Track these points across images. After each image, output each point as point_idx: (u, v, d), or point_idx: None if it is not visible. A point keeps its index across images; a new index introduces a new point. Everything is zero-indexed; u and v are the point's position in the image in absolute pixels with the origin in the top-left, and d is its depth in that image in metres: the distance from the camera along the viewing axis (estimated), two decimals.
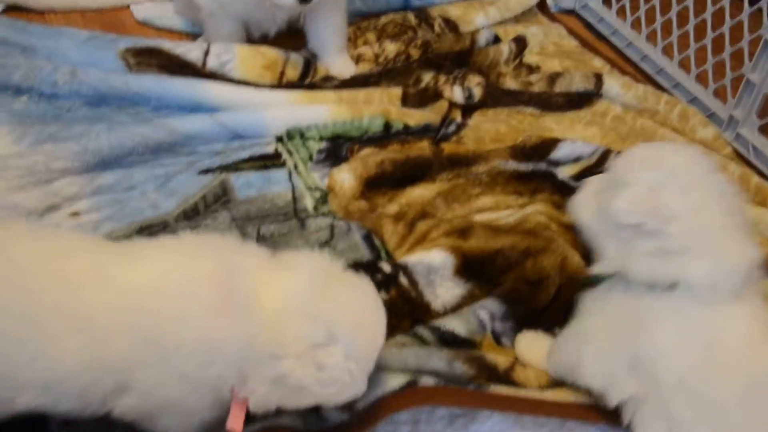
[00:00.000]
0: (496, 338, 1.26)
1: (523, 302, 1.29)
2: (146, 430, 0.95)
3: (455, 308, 1.30)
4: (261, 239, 1.40)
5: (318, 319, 0.91)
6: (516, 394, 1.12)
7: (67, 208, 1.41)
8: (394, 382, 1.07)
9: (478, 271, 1.36)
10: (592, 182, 1.15)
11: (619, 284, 1.04)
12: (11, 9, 1.97)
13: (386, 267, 1.34)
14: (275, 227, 1.42)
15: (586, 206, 1.12)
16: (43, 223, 1.36)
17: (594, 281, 1.10)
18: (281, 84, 1.81)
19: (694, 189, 1.01)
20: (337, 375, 0.92)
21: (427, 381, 1.08)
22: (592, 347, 1.06)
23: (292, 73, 1.84)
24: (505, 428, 1.07)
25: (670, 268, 0.99)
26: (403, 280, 1.32)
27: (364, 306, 0.99)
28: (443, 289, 1.34)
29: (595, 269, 1.08)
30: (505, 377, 1.15)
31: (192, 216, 1.44)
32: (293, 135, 1.65)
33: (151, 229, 1.38)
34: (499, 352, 1.21)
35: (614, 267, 1.05)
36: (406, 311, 1.29)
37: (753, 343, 0.98)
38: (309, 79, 1.85)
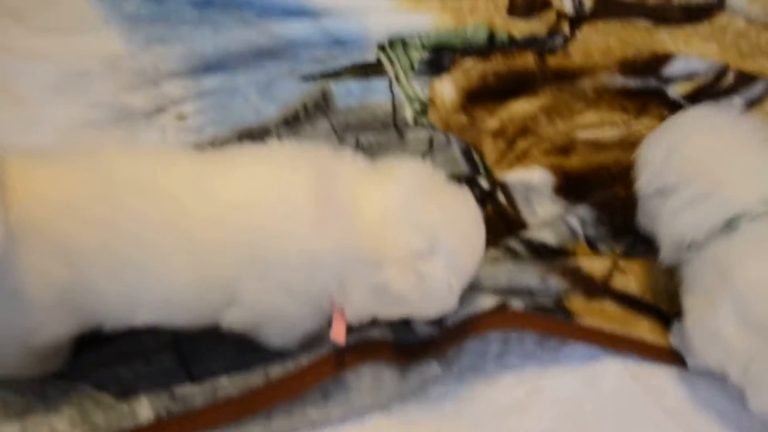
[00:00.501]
0: (591, 244, 1.23)
1: (617, 208, 1.25)
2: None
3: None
4: (360, 149, 1.40)
5: (421, 227, 0.89)
6: (602, 327, 1.10)
7: (173, 110, 1.45)
8: (485, 302, 1.07)
9: (579, 189, 1.33)
10: None
11: (693, 255, 1.00)
12: None
13: (484, 183, 1.33)
14: (374, 137, 1.42)
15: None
16: (151, 125, 1.40)
17: None
18: None
19: (710, 136, 0.98)
20: (436, 286, 0.91)
21: (517, 304, 1.08)
22: (694, 319, 0.99)
23: None
24: (595, 354, 1.07)
25: (718, 208, 0.95)
26: (501, 196, 1.31)
27: (466, 218, 0.96)
28: (541, 207, 1.32)
29: (661, 260, 1.05)
30: (603, 286, 1.13)
31: (292, 122, 1.45)
32: (395, 43, 1.62)
33: (252, 135, 1.40)
34: (595, 259, 1.19)
35: (672, 249, 1.01)
36: (501, 228, 1.28)
37: None
38: None
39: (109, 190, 0.85)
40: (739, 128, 1.03)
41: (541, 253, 1.20)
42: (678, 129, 1.06)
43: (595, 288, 1.13)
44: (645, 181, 1.04)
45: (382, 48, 1.61)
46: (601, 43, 1.67)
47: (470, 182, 1.32)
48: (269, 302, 0.90)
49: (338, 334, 0.92)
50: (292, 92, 1.51)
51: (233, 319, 0.92)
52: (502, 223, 1.29)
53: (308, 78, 1.54)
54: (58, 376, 1.00)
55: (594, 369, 1.05)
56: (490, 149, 1.41)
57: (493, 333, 1.09)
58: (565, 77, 1.57)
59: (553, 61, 1.64)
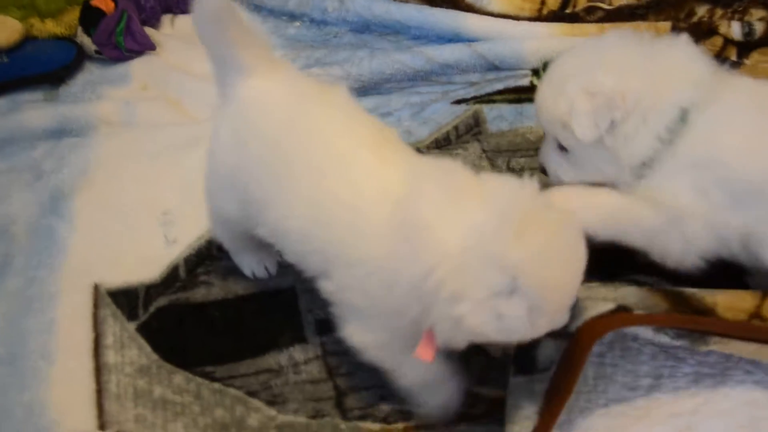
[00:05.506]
0: None
1: None
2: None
3: None
4: (510, 172, 1.39)
5: (503, 267, 0.83)
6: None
7: None
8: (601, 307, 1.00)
9: None
10: None
11: None
12: None
13: None
14: (525, 161, 1.41)
15: None
16: None
17: None
18: (541, 16, 1.76)
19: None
20: (516, 326, 0.86)
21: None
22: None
23: (553, 3, 1.78)
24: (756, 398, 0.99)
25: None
26: None
27: (558, 254, 0.87)
28: None
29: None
30: None
31: (443, 145, 1.47)
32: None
33: None
34: None
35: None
36: None
37: None
38: (570, 10, 1.78)
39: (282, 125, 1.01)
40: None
41: None
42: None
43: None
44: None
45: (535, 72, 1.60)
46: None
47: None
48: (349, 291, 0.94)
49: (424, 353, 0.90)
50: (444, 115, 1.53)
51: (327, 289, 0.97)
52: None
53: (461, 101, 1.55)
54: (213, 379, 1.10)
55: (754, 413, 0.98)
56: None
57: (645, 368, 1.04)
58: None
59: None
